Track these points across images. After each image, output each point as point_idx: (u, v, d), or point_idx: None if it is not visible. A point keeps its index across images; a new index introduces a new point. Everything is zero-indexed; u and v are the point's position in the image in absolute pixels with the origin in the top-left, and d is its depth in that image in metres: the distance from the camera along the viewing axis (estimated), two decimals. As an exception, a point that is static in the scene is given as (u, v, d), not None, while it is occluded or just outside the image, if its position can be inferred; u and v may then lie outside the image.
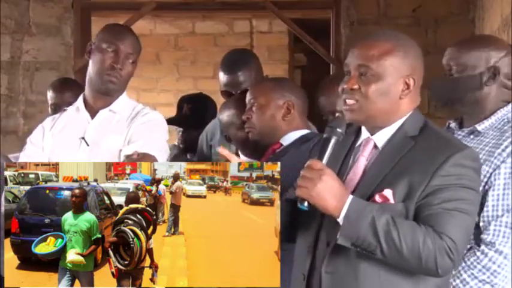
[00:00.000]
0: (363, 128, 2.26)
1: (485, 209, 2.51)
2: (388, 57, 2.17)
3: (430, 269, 2.05)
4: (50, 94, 4.21)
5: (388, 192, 2.10)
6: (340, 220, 2.07)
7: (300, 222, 2.28)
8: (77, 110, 3.11)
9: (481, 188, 2.47)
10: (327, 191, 2.07)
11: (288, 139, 2.99)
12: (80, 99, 3.11)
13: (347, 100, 2.19)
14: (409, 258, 2.04)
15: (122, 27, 3.18)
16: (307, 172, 2.10)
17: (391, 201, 2.10)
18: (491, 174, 2.52)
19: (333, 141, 2.15)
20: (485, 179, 2.51)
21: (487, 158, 2.53)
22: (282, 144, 2.99)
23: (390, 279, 2.11)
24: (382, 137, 2.21)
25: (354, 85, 2.18)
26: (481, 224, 2.52)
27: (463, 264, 2.50)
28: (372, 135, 2.23)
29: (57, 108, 4.03)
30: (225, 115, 3.28)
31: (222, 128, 3.36)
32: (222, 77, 3.64)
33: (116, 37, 3.01)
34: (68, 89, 4.16)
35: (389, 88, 2.17)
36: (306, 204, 2.10)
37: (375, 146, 2.22)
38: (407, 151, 2.15)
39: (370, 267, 2.11)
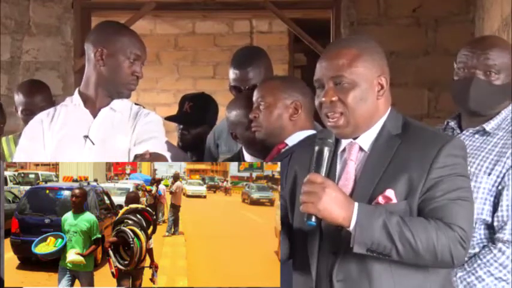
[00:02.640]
0: None
1: (499, 208, 2.55)
2: (359, 63, 2.18)
3: (445, 261, 2.07)
4: (19, 98, 4.04)
5: (390, 193, 2.11)
6: (351, 229, 2.06)
7: (299, 237, 2.27)
8: (74, 106, 3.07)
9: (494, 189, 2.50)
10: (333, 203, 2.06)
11: (293, 139, 2.96)
12: (77, 96, 3.08)
13: (329, 114, 2.19)
14: (425, 254, 2.05)
15: (132, 32, 3.14)
16: (309, 187, 2.08)
17: (394, 200, 2.11)
18: (504, 174, 2.55)
19: (326, 152, 2.14)
20: (499, 179, 2.55)
21: (499, 159, 2.57)
22: (287, 144, 2.97)
23: (402, 274, 2.12)
24: (366, 139, 2.22)
25: (332, 96, 2.17)
26: (495, 223, 2.55)
27: (479, 261, 2.53)
28: (354, 139, 2.22)
29: (30, 114, 3.85)
30: (232, 114, 3.25)
31: (229, 126, 3.35)
32: (232, 72, 3.63)
33: (135, 45, 3.02)
34: (39, 92, 4.06)
35: (366, 92, 2.18)
36: (313, 219, 2.09)
37: (361, 149, 2.22)
38: (396, 150, 2.16)
39: (382, 267, 2.12)
